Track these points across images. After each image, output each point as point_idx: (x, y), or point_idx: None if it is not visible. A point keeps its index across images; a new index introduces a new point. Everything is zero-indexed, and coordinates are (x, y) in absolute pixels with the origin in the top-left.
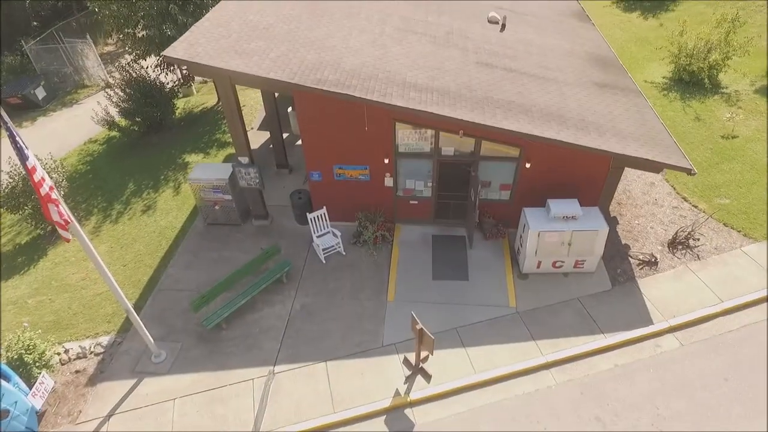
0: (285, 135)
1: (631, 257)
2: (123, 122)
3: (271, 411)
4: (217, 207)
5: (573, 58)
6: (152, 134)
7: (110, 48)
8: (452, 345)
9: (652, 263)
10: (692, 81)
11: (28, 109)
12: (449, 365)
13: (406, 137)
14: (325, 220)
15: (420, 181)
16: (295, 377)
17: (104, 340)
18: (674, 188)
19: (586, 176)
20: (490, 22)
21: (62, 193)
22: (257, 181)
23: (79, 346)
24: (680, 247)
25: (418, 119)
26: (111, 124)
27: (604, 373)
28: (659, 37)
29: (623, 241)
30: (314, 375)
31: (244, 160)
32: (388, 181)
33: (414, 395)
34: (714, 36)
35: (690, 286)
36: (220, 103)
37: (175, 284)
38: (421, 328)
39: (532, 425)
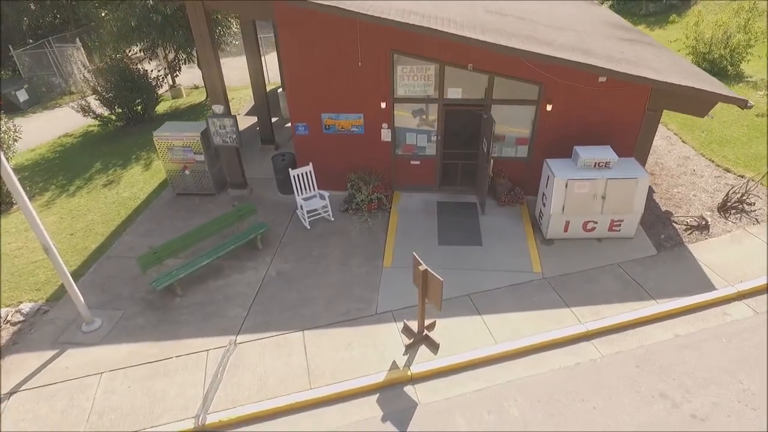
0: (274, 119)
1: (676, 223)
2: (104, 114)
3: (226, 386)
4: (187, 171)
5: (589, 21)
6: (132, 126)
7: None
8: (465, 312)
9: (702, 227)
10: (713, 70)
11: (7, 111)
12: (462, 334)
13: (406, 75)
14: (311, 180)
15: (422, 134)
16: (263, 348)
17: (26, 307)
18: (713, 161)
19: (617, 122)
20: None
21: (11, 162)
22: (234, 136)
23: None
24: (733, 211)
25: (420, 49)
26: (86, 110)
27: (662, 344)
28: (668, 40)
29: (663, 209)
30: (287, 346)
31: (219, 108)
32: (386, 135)
33: (416, 368)
34: (733, 23)
35: (755, 250)
36: (209, 99)
37: (128, 251)
38: (426, 270)
39: (575, 404)
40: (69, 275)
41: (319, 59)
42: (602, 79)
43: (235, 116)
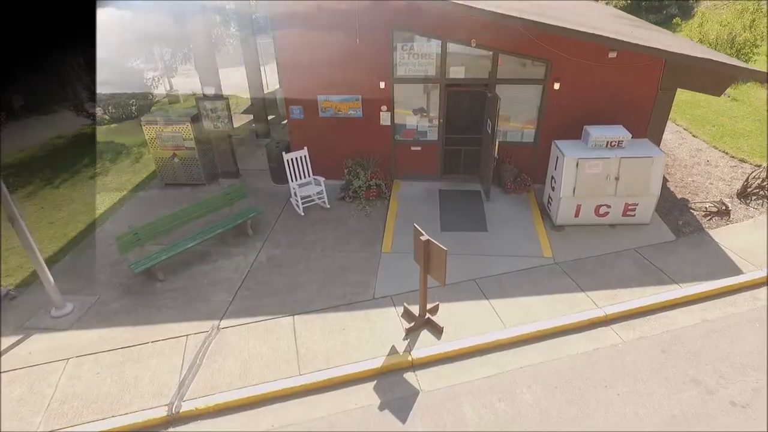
0: (271, 117)
1: (694, 209)
2: (97, 113)
3: (206, 372)
4: (176, 159)
5: (596, 12)
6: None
7: None
8: (470, 297)
9: (723, 213)
10: None
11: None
12: (467, 319)
13: (407, 53)
14: (306, 165)
15: (424, 117)
16: (248, 333)
17: None
18: (726, 153)
19: (629, 102)
20: None
21: None
22: (225, 121)
23: None
24: (754, 197)
25: (421, 25)
26: (79, 109)
27: (689, 329)
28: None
29: (679, 197)
30: (275, 330)
31: (210, 90)
32: (385, 118)
33: (417, 354)
34: (737, 23)
35: None
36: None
37: (109, 239)
38: (428, 240)
39: (597, 390)
40: (37, 250)
41: (315, 37)
42: (612, 54)
43: (227, 98)
